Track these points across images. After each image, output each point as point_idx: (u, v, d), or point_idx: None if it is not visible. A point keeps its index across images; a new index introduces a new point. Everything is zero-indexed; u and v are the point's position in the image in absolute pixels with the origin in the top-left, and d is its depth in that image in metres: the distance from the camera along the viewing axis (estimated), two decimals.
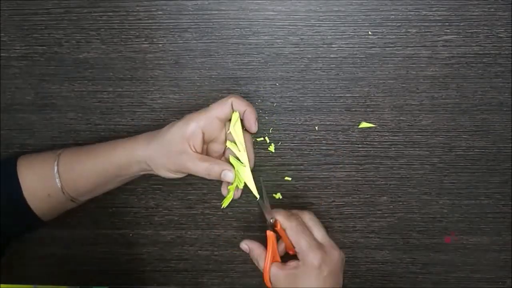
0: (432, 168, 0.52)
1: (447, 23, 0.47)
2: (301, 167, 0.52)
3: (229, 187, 0.46)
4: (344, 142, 0.51)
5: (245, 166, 0.45)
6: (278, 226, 0.45)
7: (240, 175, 0.45)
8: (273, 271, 0.44)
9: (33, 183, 0.44)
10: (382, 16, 0.47)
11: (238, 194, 0.47)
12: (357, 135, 0.51)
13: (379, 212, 0.53)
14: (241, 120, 0.44)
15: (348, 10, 0.46)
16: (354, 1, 0.46)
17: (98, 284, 0.56)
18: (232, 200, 0.48)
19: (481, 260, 0.55)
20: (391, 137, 0.51)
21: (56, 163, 0.44)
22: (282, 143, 0.51)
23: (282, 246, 0.47)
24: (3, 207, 0.44)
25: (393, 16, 0.47)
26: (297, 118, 0.50)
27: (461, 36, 0.47)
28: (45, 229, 0.53)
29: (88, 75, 0.49)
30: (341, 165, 0.52)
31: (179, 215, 0.54)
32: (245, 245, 0.47)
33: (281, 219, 0.45)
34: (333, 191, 0.53)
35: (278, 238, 0.47)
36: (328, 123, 0.50)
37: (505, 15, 0.46)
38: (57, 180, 0.44)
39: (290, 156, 0.52)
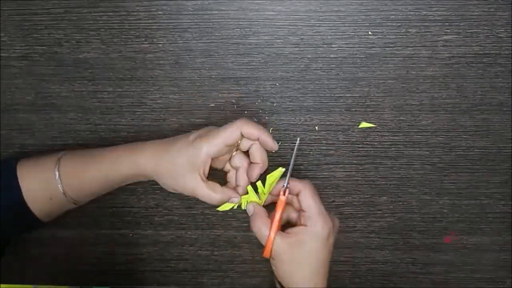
0: (432, 168, 0.52)
1: (447, 23, 0.47)
2: (301, 167, 0.52)
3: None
4: (344, 142, 0.51)
5: (260, 203, 0.45)
6: (286, 194, 0.43)
7: (244, 205, 0.46)
8: (277, 241, 0.41)
9: (33, 187, 0.44)
10: (382, 16, 0.47)
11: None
12: (357, 135, 0.51)
13: (379, 212, 0.53)
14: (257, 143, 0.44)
15: (348, 10, 0.46)
16: (354, 1, 0.46)
17: (98, 284, 0.56)
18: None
19: (481, 260, 0.55)
20: (391, 137, 0.51)
21: (57, 168, 0.44)
22: (282, 143, 0.51)
23: (287, 212, 0.45)
24: (3, 209, 0.43)
25: (393, 16, 0.47)
26: (297, 118, 0.50)
27: (461, 36, 0.47)
28: (45, 229, 0.53)
29: (88, 75, 0.49)
30: (341, 165, 0.52)
31: (179, 215, 0.54)
32: (252, 206, 0.44)
33: (295, 182, 0.43)
34: (333, 191, 0.53)
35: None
36: (328, 123, 0.50)
37: (505, 15, 0.46)
38: (59, 185, 0.43)
39: (290, 156, 0.51)
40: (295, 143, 0.45)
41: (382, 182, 0.52)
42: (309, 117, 0.50)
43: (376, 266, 0.55)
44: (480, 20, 0.47)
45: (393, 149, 0.51)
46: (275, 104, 0.50)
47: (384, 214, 0.53)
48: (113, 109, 0.51)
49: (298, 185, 0.43)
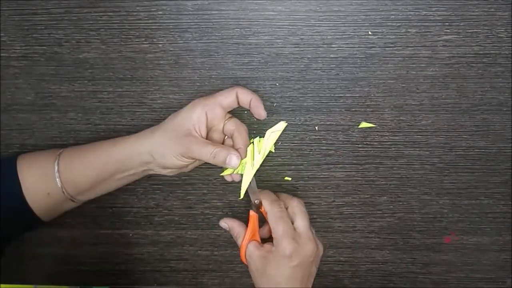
0: (432, 168, 0.52)
1: (447, 23, 0.47)
2: (301, 167, 0.52)
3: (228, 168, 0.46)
4: (344, 142, 0.51)
5: (253, 167, 0.46)
6: (262, 208, 0.46)
7: (244, 168, 0.46)
8: (249, 249, 0.45)
9: (33, 182, 0.44)
10: (382, 16, 0.47)
11: (238, 178, 0.47)
12: (357, 135, 0.51)
13: (379, 212, 0.53)
14: (249, 110, 0.45)
15: (348, 10, 0.46)
16: (354, 1, 0.46)
17: (98, 284, 0.56)
18: (232, 199, 0.49)
19: (481, 260, 0.55)
20: (391, 137, 0.51)
21: (56, 162, 0.44)
22: (282, 143, 0.51)
23: (266, 229, 0.48)
24: (3, 205, 0.43)
25: (393, 16, 0.47)
26: (297, 118, 0.50)
27: (461, 36, 0.47)
28: (45, 229, 0.53)
29: (88, 75, 0.49)
30: (341, 165, 0.52)
31: (179, 215, 0.54)
32: (225, 223, 0.49)
33: (265, 202, 0.46)
34: (333, 191, 0.53)
35: (264, 220, 0.47)
36: (328, 123, 0.50)
37: (505, 15, 0.46)
38: (57, 179, 0.44)
39: (290, 156, 0.52)
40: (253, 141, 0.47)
41: (382, 182, 0.52)
42: (309, 117, 0.50)
43: (376, 266, 0.55)
44: (480, 20, 0.47)
45: (393, 149, 0.51)
46: (275, 104, 0.50)
47: (384, 214, 0.53)
48: (113, 109, 0.51)
49: (266, 206, 0.45)
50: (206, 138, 0.45)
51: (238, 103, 0.45)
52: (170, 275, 0.56)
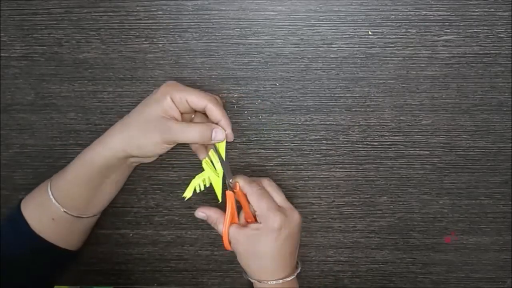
0: (432, 168, 0.52)
1: (447, 23, 0.47)
2: (301, 167, 0.52)
3: (196, 176, 0.44)
4: (344, 142, 0.51)
5: (218, 176, 0.45)
6: (237, 188, 0.45)
7: (211, 177, 0.45)
8: (232, 232, 0.45)
9: (35, 214, 0.44)
10: (382, 16, 0.47)
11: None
12: (357, 135, 0.51)
13: (379, 212, 0.53)
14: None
15: (348, 10, 0.46)
16: (354, 1, 0.46)
17: (98, 284, 0.56)
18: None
19: (481, 260, 0.55)
20: (391, 137, 0.51)
21: (49, 186, 0.44)
22: (282, 143, 0.51)
23: (242, 216, 0.47)
24: (20, 248, 0.44)
25: (393, 16, 0.47)
26: (297, 118, 0.50)
27: (461, 36, 0.47)
28: None
29: (88, 75, 0.49)
30: (341, 165, 0.52)
31: (179, 215, 0.54)
32: (201, 212, 0.47)
33: (242, 183, 0.45)
34: (333, 191, 0.53)
35: (238, 205, 0.46)
36: (328, 123, 0.50)
37: (505, 15, 0.46)
38: (55, 203, 0.43)
39: (290, 156, 0.52)
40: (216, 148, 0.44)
41: (382, 182, 0.52)
42: (309, 117, 0.50)
43: (376, 266, 0.55)
44: (480, 20, 0.47)
45: (393, 149, 0.51)
46: (275, 104, 0.50)
47: (384, 214, 0.53)
48: (113, 109, 0.51)
49: (245, 187, 0.45)
50: None
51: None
52: (170, 275, 0.56)
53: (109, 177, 0.44)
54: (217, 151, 0.44)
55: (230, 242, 0.46)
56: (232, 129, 0.44)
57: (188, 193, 0.44)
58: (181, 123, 0.41)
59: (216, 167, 0.45)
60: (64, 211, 0.44)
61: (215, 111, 0.42)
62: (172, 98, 0.41)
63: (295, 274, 0.46)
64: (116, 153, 0.42)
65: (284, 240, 0.44)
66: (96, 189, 0.45)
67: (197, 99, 0.41)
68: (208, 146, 0.46)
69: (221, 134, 0.42)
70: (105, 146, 0.42)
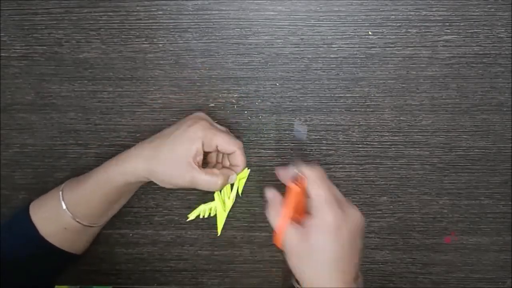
0: (432, 168, 0.52)
1: (447, 23, 0.47)
2: None
3: (204, 204, 0.47)
4: (344, 142, 0.51)
5: (225, 210, 0.47)
6: (299, 185, 0.40)
7: (218, 209, 0.47)
8: (289, 233, 0.39)
9: (46, 221, 0.44)
10: (382, 16, 0.47)
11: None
12: (357, 135, 0.51)
13: (379, 212, 0.53)
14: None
15: (348, 10, 0.46)
16: (354, 1, 0.46)
17: (98, 284, 0.56)
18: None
19: (481, 260, 0.55)
20: (391, 137, 0.51)
21: (61, 196, 0.44)
22: (282, 143, 0.51)
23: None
24: (28, 250, 0.44)
25: (393, 16, 0.47)
26: (297, 118, 0.50)
27: (461, 36, 0.47)
28: None
29: (88, 75, 0.49)
30: (341, 165, 0.52)
31: (179, 215, 0.54)
32: (271, 193, 0.42)
33: (302, 168, 0.40)
34: None
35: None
36: (328, 123, 0.50)
37: (505, 15, 0.46)
38: (68, 212, 0.44)
39: (290, 156, 0.52)
40: (295, 127, 0.45)
41: (382, 182, 0.52)
42: (309, 117, 0.50)
43: (376, 266, 0.55)
44: (480, 20, 0.47)
45: (393, 149, 0.51)
46: (275, 104, 0.50)
47: (384, 214, 0.53)
48: (113, 109, 0.50)
49: (306, 170, 0.40)
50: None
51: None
52: (170, 275, 0.56)
53: (126, 192, 0.46)
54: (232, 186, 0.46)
55: (282, 241, 0.39)
56: (232, 129, 0.44)
57: (192, 216, 0.46)
58: (203, 173, 0.42)
59: (225, 201, 0.47)
60: (77, 221, 0.44)
61: (239, 158, 0.44)
62: (203, 142, 0.42)
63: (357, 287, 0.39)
64: (138, 178, 0.43)
65: (345, 239, 0.37)
66: (112, 204, 0.46)
67: (227, 146, 0.43)
68: None
69: (234, 178, 0.45)
70: (128, 169, 0.42)
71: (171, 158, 0.42)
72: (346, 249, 0.37)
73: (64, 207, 0.44)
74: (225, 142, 0.43)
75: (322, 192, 0.38)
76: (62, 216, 0.44)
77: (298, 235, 0.38)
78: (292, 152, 0.51)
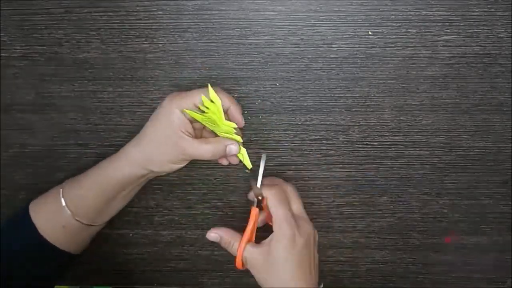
0: (432, 168, 0.52)
1: (447, 23, 0.47)
2: (301, 167, 0.52)
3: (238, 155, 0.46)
4: (344, 142, 0.51)
5: (240, 141, 0.45)
6: (264, 202, 0.44)
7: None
8: (247, 249, 0.43)
9: (46, 220, 0.44)
10: (383, 16, 0.47)
11: (235, 161, 0.47)
12: (357, 135, 0.51)
13: (379, 212, 0.53)
14: (226, 114, 0.44)
15: (348, 10, 0.46)
16: (354, 1, 0.46)
17: (98, 284, 0.56)
18: (232, 199, 0.48)
19: (481, 260, 0.55)
20: (391, 137, 0.51)
21: (61, 194, 0.44)
22: (282, 143, 0.51)
23: (262, 216, 0.46)
24: (27, 249, 0.44)
25: (393, 16, 0.47)
26: (297, 118, 0.50)
27: (461, 36, 0.47)
28: None
29: (88, 75, 0.49)
30: (341, 165, 0.52)
31: (179, 215, 0.54)
32: (214, 234, 0.45)
33: (264, 187, 0.44)
34: (333, 191, 0.53)
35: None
36: (328, 123, 0.50)
37: (505, 15, 0.46)
38: (67, 211, 0.44)
39: (290, 156, 0.52)
40: (262, 158, 0.46)
41: (382, 182, 0.52)
42: (309, 117, 0.50)
43: (376, 266, 0.55)
44: (480, 20, 0.47)
45: (393, 149, 0.51)
46: (275, 104, 0.50)
47: (384, 214, 0.53)
48: (113, 109, 0.51)
49: (265, 191, 0.44)
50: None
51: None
52: (170, 275, 0.56)
53: (125, 189, 0.45)
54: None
55: (244, 261, 0.43)
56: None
57: (248, 165, 0.47)
58: (194, 141, 0.42)
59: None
60: (76, 219, 0.44)
61: (234, 111, 0.43)
62: (180, 109, 0.42)
63: None
64: (134, 170, 0.43)
65: (302, 249, 0.42)
66: (111, 200, 0.46)
67: (204, 98, 0.42)
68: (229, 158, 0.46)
69: (235, 148, 0.44)
70: (123, 162, 0.43)
71: (157, 137, 0.42)
72: (304, 257, 0.42)
73: (64, 205, 0.44)
74: (200, 95, 0.42)
75: (279, 211, 0.42)
76: (62, 214, 0.44)
77: (260, 252, 0.42)
78: (292, 152, 0.51)
